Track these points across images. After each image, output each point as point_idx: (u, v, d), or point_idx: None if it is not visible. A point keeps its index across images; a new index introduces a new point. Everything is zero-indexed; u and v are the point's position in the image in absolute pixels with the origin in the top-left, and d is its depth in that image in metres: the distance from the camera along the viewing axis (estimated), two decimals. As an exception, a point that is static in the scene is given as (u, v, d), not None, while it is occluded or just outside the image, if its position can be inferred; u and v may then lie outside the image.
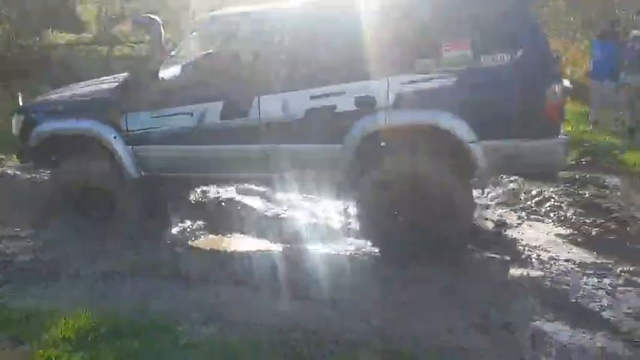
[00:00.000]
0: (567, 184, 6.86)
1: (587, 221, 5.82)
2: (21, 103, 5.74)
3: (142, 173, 5.27)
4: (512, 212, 6.18)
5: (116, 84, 5.48)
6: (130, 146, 5.21)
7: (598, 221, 5.77)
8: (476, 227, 5.43)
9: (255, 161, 4.93)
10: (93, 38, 15.93)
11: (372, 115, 4.61)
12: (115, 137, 5.20)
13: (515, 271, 4.71)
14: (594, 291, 4.35)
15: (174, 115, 5.04)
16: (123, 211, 5.31)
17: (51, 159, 5.58)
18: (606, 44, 9.67)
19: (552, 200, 6.48)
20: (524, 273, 4.67)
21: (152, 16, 5.38)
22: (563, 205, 6.32)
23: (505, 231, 5.63)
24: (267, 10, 5.09)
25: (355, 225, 5.70)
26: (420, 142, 4.61)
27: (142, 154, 5.22)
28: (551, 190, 6.76)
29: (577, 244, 5.32)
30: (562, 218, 5.98)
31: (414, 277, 4.46)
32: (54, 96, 5.79)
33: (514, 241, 5.37)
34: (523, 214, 6.12)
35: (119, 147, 5.20)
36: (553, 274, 4.65)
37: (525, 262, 4.89)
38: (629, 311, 4.03)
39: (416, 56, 4.52)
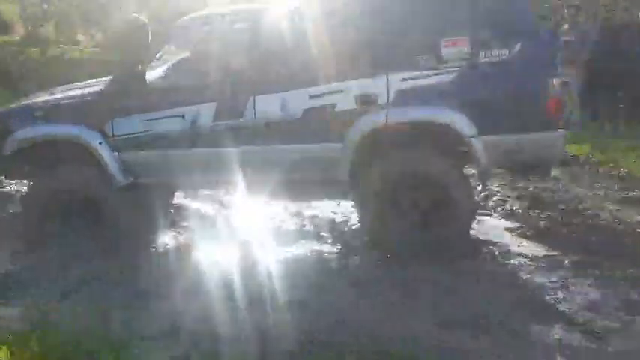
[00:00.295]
0: (511, 179, 7.03)
1: (534, 214, 5.98)
2: None
3: (130, 180, 5.08)
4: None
5: (100, 88, 5.25)
6: (117, 152, 5.02)
7: (545, 214, 5.94)
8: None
9: (252, 164, 4.84)
10: (20, 39, 15.32)
11: (373, 113, 4.62)
12: (100, 143, 5.00)
13: (469, 266, 4.77)
14: (548, 284, 4.46)
15: (164, 118, 4.91)
16: (108, 220, 5.08)
17: (25, 169, 5.36)
18: None
19: (498, 195, 6.63)
20: (478, 267, 4.74)
21: (139, 17, 5.23)
22: (509, 198, 6.47)
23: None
24: (260, 8, 5.04)
25: (310, 227, 5.69)
26: (421, 138, 4.68)
27: (129, 160, 5.04)
28: (497, 184, 6.92)
29: (526, 237, 5.45)
30: (509, 212, 6.12)
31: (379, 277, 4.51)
32: (31, 101, 5.47)
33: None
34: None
35: (105, 153, 5.00)
36: (506, 268, 4.75)
37: (477, 257, 4.97)
38: (584, 302, 4.15)
39: (415, 52, 4.56)
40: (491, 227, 5.71)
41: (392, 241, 4.80)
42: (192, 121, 4.85)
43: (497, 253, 5.06)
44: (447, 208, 4.70)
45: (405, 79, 4.57)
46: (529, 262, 4.85)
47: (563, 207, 6.13)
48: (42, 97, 5.50)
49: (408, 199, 4.77)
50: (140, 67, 4.96)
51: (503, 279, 4.55)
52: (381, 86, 4.59)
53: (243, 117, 4.78)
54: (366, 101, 4.63)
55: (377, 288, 4.35)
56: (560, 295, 4.27)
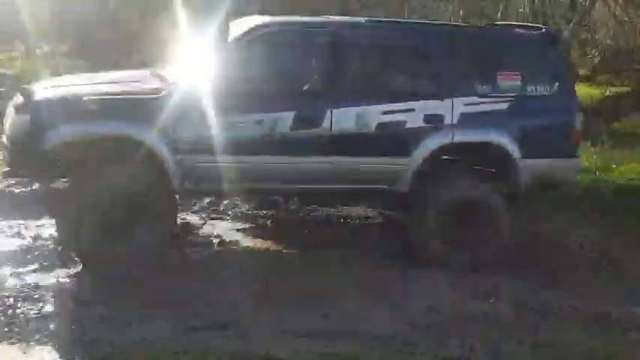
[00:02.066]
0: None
1: (262, 214, 6.52)
2: (18, 99, 4.80)
3: (189, 185, 4.89)
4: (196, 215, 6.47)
5: (165, 84, 4.92)
6: (178, 155, 4.77)
7: (270, 213, 6.53)
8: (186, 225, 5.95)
9: (319, 173, 5.04)
10: None
11: (440, 132, 5.19)
12: (164, 144, 4.72)
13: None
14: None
15: (239, 123, 4.85)
16: (156, 225, 4.84)
17: (63, 167, 4.85)
18: None
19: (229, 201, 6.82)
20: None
21: (222, 17, 4.94)
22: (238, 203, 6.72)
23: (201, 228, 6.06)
24: (342, 22, 5.37)
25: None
26: (473, 157, 5.45)
27: (189, 165, 4.81)
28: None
29: (255, 235, 5.99)
30: (239, 215, 6.50)
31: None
32: (75, 91, 4.89)
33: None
34: (204, 214, 6.48)
35: (166, 155, 4.75)
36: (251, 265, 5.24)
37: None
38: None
39: (477, 82, 5.29)
40: (224, 229, 6.11)
41: (438, 255, 5.29)
42: (269, 128, 4.87)
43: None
44: (487, 228, 5.36)
45: (467, 104, 5.29)
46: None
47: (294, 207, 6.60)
48: (76, 88, 5.02)
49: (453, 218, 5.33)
50: (218, 67, 4.85)
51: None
52: (447, 108, 5.23)
53: (319, 127, 4.99)
54: (434, 121, 5.22)
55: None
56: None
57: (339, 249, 5.56)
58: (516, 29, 5.87)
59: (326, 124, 4.96)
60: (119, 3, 13.68)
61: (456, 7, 10.93)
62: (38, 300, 4.28)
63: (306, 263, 5.28)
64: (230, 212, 6.48)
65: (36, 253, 5.13)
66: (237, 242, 5.77)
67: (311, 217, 6.40)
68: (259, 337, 3.87)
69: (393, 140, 5.16)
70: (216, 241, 5.77)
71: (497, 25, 6.66)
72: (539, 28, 5.85)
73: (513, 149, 5.29)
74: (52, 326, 3.97)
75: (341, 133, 5.00)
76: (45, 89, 4.99)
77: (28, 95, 4.69)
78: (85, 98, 4.68)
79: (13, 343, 3.73)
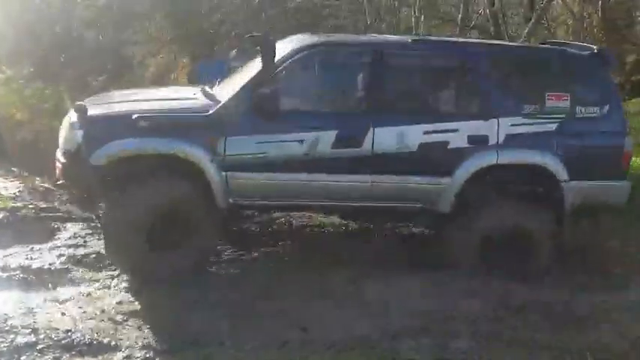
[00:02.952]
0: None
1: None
2: (74, 115, 4.82)
3: (233, 201, 4.88)
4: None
5: (216, 103, 4.93)
6: (225, 172, 4.77)
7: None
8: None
9: (360, 191, 4.98)
10: None
11: (485, 152, 5.00)
12: (211, 161, 4.73)
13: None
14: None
15: (283, 141, 4.83)
16: (200, 241, 4.87)
17: (109, 183, 4.81)
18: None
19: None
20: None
21: (266, 35, 5.06)
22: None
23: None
24: (386, 41, 5.39)
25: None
26: (521, 179, 5.18)
27: (236, 181, 4.83)
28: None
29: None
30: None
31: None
32: (118, 109, 5.00)
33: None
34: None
35: (212, 172, 4.74)
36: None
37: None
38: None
39: (523, 102, 5.09)
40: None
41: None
42: (310, 147, 4.85)
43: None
44: (529, 250, 5.14)
45: (513, 125, 5.05)
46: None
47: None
48: (131, 103, 5.13)
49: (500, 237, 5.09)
50: (264, 85, 4.76)
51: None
52: (492, 129, 5.02)
53: (360, 147, 4.90)
54: (478, 141, 5.01)
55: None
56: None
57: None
58: (566, 48, 5.65)
59: (367, 142, 4.91)
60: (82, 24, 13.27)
61: (417, 12, 10.69)
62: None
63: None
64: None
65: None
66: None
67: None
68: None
69: (435, 160, 5.03)
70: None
71: (546, 43, 6.51)
72: (589, 48, 5.59)
73: (560, 171, 5.07)
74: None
75: (382, 152, 4.94)
76: (97, 106, 5.06)
77: (81, 111, 4.77)
78: (135, 116, 4.67)
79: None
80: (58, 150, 5.02)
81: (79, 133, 4.71)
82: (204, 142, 4.72)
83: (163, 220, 4.76)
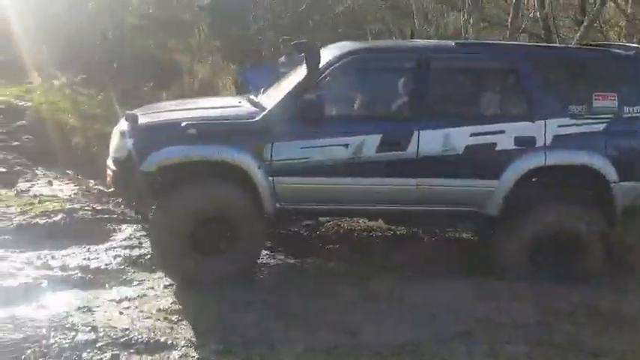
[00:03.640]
0: None
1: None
2: (124, 123, 4.96)
3: (279, 206, 4.94)
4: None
5: (262, 110, 5.01)
6: (271, 177, 4.84)
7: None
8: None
9: (405, 195, 4.98)
10: None
11: (532, 154, 4.95)
12: (259, 167, 4.81)
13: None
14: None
15: (328, 146, 4.87)
16: (245, 247, 4.93)
17: (157, 188, 4.96)
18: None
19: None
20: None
21: (311, 43, 5.19)
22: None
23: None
24: (430, 46, 5.34)
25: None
26: (569, 181, 5.14)
27: (282, 186, 4.90)
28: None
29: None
30: None
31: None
32: (167, 117, 5.14)
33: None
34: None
35: (259, 177, 4.82)
36: None
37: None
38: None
39: (570, 103, 5.04)
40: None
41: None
42: (354, 151, 4.87)
43: None
44: (579, 253, 5.08)
45: (560, 126, 4.99)
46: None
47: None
48: (179, 112, 5.26)
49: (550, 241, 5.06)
50: (309, 91, 4.87)
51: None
52: (539, 130, 4.97)
53: (405, 150, 4.90)
54: (525, 143, 4.96)
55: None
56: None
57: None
58: (612, 49, 5.56)
59: (413, 146, 4.90)
60: (133, 32, 13.55)
61: (466, 16, 10.59)
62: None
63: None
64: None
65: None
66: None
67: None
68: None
69: (482, 162, 5.01)
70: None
71: (592, 44, 6.47)
72: (634, 48, 5.53)
73: (609, 172, 4.99)
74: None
75: (428, 155, 4.92)
76: (147, 115, 5.19)
77: (132, 120, 4.89)
78: (184, 123, 4.77)
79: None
80: (108, 158, 5.15)
81: (130, 141, 4.83)
82: (251, 148, 4.80)
83: (209, 225, 4.85)
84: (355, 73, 5.18)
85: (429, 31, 11.36)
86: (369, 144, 4.86)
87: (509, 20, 10.20)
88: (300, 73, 5.09)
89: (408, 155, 4.89)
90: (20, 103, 11.28)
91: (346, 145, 4.85)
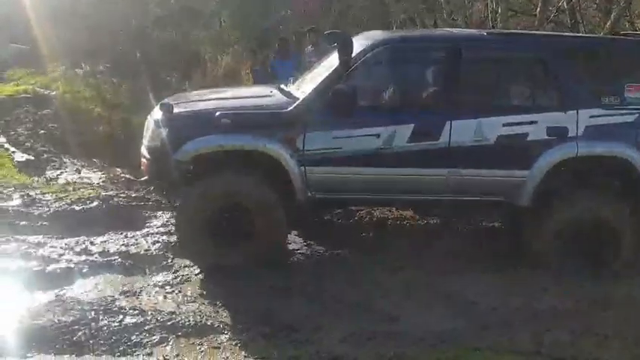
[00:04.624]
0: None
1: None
2: (158, 113, 4.99)
3: (310, 195, 4.95)
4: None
5: (293, 100, 5.03)
6: (303, 167, 4.87)
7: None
8: None
9: (435, 185, 4.98)
10: None
11: (564, 144, 4.94)
12: (291, 156, 4.84)
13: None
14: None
15: (359, 136, 4.89)
16: (266, 234, 4.90)
17: (190, 176, 4.99)
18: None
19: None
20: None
21: (343, 33, 5.19)
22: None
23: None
24: (462, 35, 5.40)
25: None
26: (600, 171, 5.12)
27: (314, 175, 4.92)
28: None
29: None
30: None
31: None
32: (201, 107, 5.19)
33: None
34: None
35: (292, 166, 4.84)
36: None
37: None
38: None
39: (603, 94, 5.04)
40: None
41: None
42: (386, 141, 4.88)
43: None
44: (610, 244, 5.06)
45: (593, 116, 4.99)
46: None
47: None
48: (213, 101, 5.31)
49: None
50: (341, 82, 4.87)
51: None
52: (571, 121, 4.97)
53: (437, 140, 4.91)
54: (557, 133, 4.96)
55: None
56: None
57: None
58: None
59: (444, 136, 4.91)
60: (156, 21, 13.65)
61: (494, 5, 10.55)
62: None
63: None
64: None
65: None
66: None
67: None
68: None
69: (514, 153, 5.01)
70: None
71: (623, 35, 6.38)
72: None
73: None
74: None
75: (459, 146, 4.93)
76: (180, 104, 5.20)
77: (167, 110, 4.92)
78: (218, 113, 4.81)
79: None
80: (142, 147, 5.19)
81: (164, 130, 4.88)
82: (283, 137, 4.83)
83: (232, 213, 4.90)
84: (387, 63, 5.20)
85: (457, 20, 11.33)
86: (401, 134, 4.87)
87: (538, 10, 10.13)
88: (332, 62, 5.09)
89: (439, 145, 4.90)
90: (45, 92, 11.40)
91: (378, 135, 4.86)
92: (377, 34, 5.45)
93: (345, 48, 4.83)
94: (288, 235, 5.75)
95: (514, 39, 5.59)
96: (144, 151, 5.14)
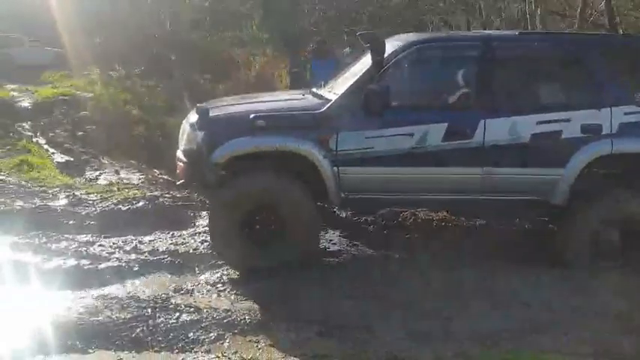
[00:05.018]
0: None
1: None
2: (194, 116, 5.05)
3: (342, 196, 4.97)
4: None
5: (326, 101, 5.06)
6: (336, 167, 4.88)
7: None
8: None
9: (470, 184, 4.99)
10: None
11: (599, 141, 4.92)
12: (324, 157, 4.86)
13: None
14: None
15: (392, 135, 4.89)
16: (298, 235, 4.90)
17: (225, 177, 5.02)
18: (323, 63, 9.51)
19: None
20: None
21: (376, 34, 5.28)
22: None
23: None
24: (494, 35, 5.41)
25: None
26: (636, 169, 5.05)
27: (347, 176, 4.93)
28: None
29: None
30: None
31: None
32: (236, 110, 5.29)
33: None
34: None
35: (326, 167, 4.86)
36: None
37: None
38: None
39: (636, 91, 5.01)
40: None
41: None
42: (419, 140, 4.89)
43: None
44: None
45: (627, 113, 4.96)
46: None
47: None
48: (247, 104, 5.41)
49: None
50: (374, 82, 4.89)
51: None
52: (605, 118, 4.94)
53: (471, 139, 4.91)
54: (591, 130, 4.94)
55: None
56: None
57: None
58: None
59: (479, 135, 4.91)
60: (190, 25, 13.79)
61: (532, 7, 10.45)
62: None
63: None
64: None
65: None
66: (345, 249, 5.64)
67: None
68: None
69: (548, 151, 5.00)
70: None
71: None
72: None
73: None
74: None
75: (494, 144, 4.93)
76: (216, 107, 5.27)
77: (203, 113, 4.97)
78: (252, 115, 4.85)
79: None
80: (178, 150, 5.22)
81: (200, 133, 4.92)
82: (317, 138, 4.85)
83: (269, 214, 4.95)
84: (420, 63, 5.24)
85: (495, 21, 11.28)
86: (435, 133, 4.87)
87: (578, 11, 10.04)
88: (365, 63, 5.12)
89: (474, 144, 4.90)
90: (82, 94, 11.60)
91: (411, 135, 4.87)
92: (409, 36, 5.50)
93: (378, 49, 4.85)
94: (333, 237, 5.79)
95: (546, 38, 5.61)
96: (180, 154, 5.19)
